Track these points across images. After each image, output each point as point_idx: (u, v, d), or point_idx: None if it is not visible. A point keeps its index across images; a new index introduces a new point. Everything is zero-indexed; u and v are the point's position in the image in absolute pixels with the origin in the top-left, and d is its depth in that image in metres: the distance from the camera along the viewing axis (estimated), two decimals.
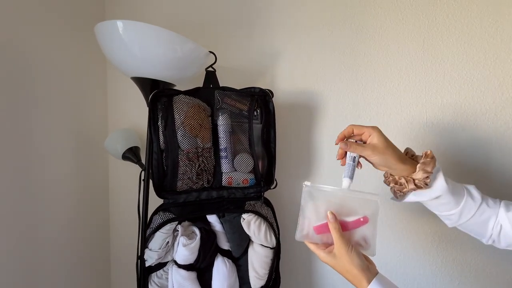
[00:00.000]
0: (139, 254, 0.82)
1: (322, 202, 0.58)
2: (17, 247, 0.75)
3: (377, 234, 0.57)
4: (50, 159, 0.84)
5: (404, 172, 0.57)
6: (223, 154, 0.81)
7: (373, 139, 0.57)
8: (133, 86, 0.83)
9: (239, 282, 0.82)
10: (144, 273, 0.79)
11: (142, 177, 0.85)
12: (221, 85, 0.85)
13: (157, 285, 0.79)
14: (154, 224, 0.77)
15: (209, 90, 0.83)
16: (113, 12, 1.05)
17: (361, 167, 0.61)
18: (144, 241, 0.78)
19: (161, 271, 0.81)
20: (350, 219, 0.57)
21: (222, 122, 0.80)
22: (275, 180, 0.85)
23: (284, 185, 0.99)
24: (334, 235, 0.55)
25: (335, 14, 0.94)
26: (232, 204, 0.82)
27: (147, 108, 0.79)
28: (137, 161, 0.92)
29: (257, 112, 0.83)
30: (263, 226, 0.78)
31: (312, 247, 0.59)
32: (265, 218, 0.79)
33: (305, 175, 0.99)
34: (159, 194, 0.79)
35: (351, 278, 0.54)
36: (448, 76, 0.88)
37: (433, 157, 0.58)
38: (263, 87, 0.83)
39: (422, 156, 0.58)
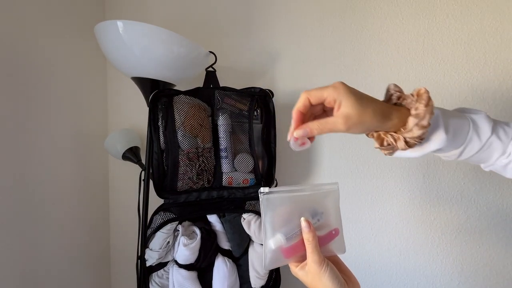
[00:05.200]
0: (139, 254, 0.82)
1: (285, 208, 0.46)
2: (17, 247, 0.75)
3: (342, 227, 0.50)
4: (50, 159, 0.84)
5: (392, 128, 0.44)
6: (223, 154, 0.81)
7: (343, 107, 0.42)
8: (133, 86, 0.83)
9: (239, 281, 0.82)
10: (145, 272, 0.79)
11: (142, 177, 0.85)
12: (221, 85, 0.85)
13: (158, 284, 0.79)
14: (154, 224, 0.78)
15: (209, 90, 0.83)
16: (113, 12, 1.05)
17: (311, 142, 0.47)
18: (145, 241, 0.78)
19: (161, 270, 0.81)
20: (320, 233, 0.47)
21: (222, 122, 0.80)
22: (275, 180, 0.85)
23: (284, 185, 0.99)
24: (308, 247, 0.44)
25: (335, 14, 0.94)
26: (233, 204, 0.82)
27: (147, 108, 0.79)
28: (137, 161, 0.92)
29: (257, 112, 0.83)
30: None
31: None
32: None
33: (305, 175, 0.99)
34: (159, 194, 0.80)
35: None
36: (448, 76, 0.88)
37: (429, 102, 0.42)
38: (263, 87, 0.83)
39: (413, 99, 0.43)
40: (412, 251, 0.93)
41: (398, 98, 0.45)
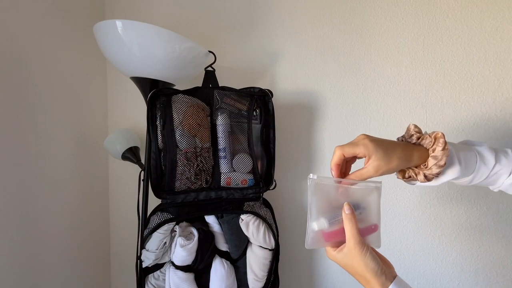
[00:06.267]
0: (138, 254, 0.82)
1: (331, 196, 0.51)
2: (17, 246, 0.75)
3: (381, 224, 0.53)
4: (50, 159, 0.84)
5: (413, 165, 0.51)
6: (221, 154, 0.80)
7: (372, 160, 0.49)
8: (133, 86, 0.83)
9: (237, 284, 0.81)
10: (142, 274, 0.79)
11: (142, 177, 0.85)
12: (220, 85, 0.84)
13: (154, 286, 0.79)
14: (151, 225, 0.76)
15: (209, 89, 0.82)
16: (113, 11, 1.05)
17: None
18: (142, 242, 0.77)
19: (158, 272, 0.80)
20: (360, 225, 0.50)
21: (221, 122, 0.80)
22: (274, 181, 0.84)
23: (284, 186, 0.99)
24: (349, 229, 0.48)
25: (335, 14, 0.94)
26: (231, 204, 0.81)
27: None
28: (137, 161, 0.92)
29: (256, 112, 0.83)
30: (262, 227, 0.77)
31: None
32: (264, 219, 0.77)
33: (305, 176, 0.99)
34: (157, 194, 0.79)
35: (363, 282, 0.48)
36: (448, 76, 0.87)
37: (445, 146, 0.49)
38: (263, 87, 0.83)
39: (430, 140, 0.51)
40: (412, 251, 0.93)
41: (418, 138, 0.53)
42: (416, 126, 0.53)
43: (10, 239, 0.73)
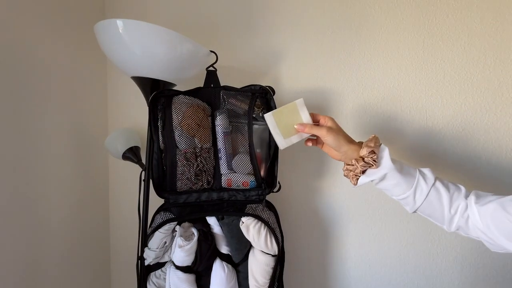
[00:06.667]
0: (139, 254, 0.82)
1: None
2: (17, 246, 0.75)
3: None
4: (50, 159, 0.84)
5: (354, 153, 0.63)
6: (220, 154, 0.79)
7: (328, 123, 0.66)
8: (134, 85, 0.83)
9: None
10: (144, 272, 0.78)
11: (143, 177, 0.84)
12: (222, 85, 0.84)
13: (155, 285, 0.78)
14: (154, 224, 0.76)
15: (211, 89, 0.82)
16: (113, 11, 1.05)
17: (311, 145, 0.71)
18: (144, 240, 0.77)
19: (159, 271, 0.80)
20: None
21: (219, 122, 0.79)
22: (279, 183, 0.81)
23: (290, 189, 0.97)
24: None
25: (335, 13, 0.94)
26: (233, 206, 0.78)
27: (148, 108, 0.78)
28: (137, 161, 0.92)
29: (261, 113, 0.80)
30: (263, 231, 0.73)
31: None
32: (266, 223, 0.74)
33: (313, 178, 0.98)
34: (159, 193, 0.79)
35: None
36: (448, 76, 0.88)
37: (374, 136, 0.65)
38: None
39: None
40: (412, 251, 0.93)
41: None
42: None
43: (10, 239, 0.73)
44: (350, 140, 0.66)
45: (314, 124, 0.67)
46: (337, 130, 0.65)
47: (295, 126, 0.67)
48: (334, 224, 0.98)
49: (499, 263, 0.87)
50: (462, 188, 0.62)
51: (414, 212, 0.64)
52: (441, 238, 0.90)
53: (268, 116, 0.68)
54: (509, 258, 0.86)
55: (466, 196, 0.60)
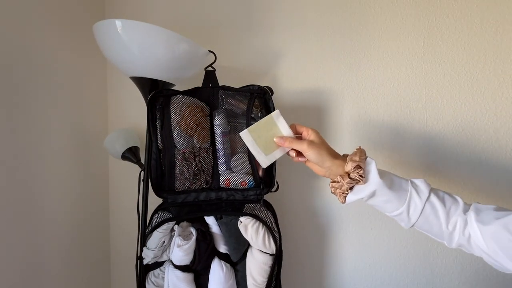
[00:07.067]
0: (138, 254, 0.82)
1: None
2: (17, 246, 0.75)
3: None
4: (49, 159, 0.84)
5: (339, 169, 0.59)
6: (218, 154, 0.79)
7: (311, 136, 0.61)
8: (133, 85, 0.83)
9: (237, 287, 0.79)
10: (143, 271, 0.78)
11: (142, 177, 0.84)
12: (220, 85, 0.84)
13: (153, 284, 0.78)
14: (153, 223, 0.77)
15: (209, 89, 0.82)
16: (112, 11, 1.05)
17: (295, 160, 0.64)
18: (143, 239, 0.77)
19: (158, 270, 0.80)
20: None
21: (217, 122, 0.79)
22: (277, 183, 0.81)
23: (288, 189, 0.97)
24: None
25: (335, 14, 0.94)
26: (231, 206, 0.79)
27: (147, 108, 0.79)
28: (137, 161, 0.92)
29: (260, 113, 0.81)
30: (261, 231, 0.74)
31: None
32: (263, 222, 0.74)
33: (311, 177, 0.98)
34: (157, 193, 0.79)
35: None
36: (448, 76, 0.88)
37: (359, 149, 0.60)
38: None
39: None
40: (412, 251, 0.93)
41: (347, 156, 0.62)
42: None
43: (9, 238, 0.73)
44: (334, 155, 0.60)
45: (296, 137, 0.63)
46: (319, 145, 0.60)
47: (275, 139, 0.63)
48: (333, 224, 0.97)
49: None
50: (460, 200, 0.57)
51: (411, 227, 0.59)
52: None
53: (244, 134, 0.63)
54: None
55: (465, 211, 0.55)
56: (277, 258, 0.78)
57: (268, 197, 0.83)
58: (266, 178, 0.82)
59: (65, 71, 0.89)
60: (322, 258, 0.99)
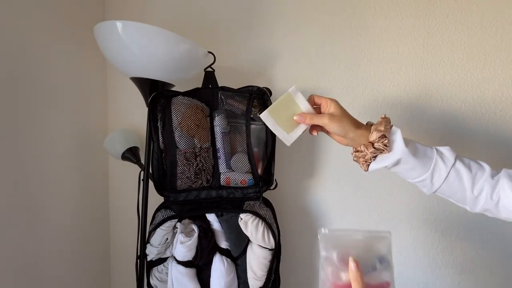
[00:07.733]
0: (138, 254, 0.83)
1: (339, 248, 0.49)
2: (17, 246, 0.75)
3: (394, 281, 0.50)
4: (49, 159, 0.84)
5: (362, 138, 0.58)
6: (219, 154, 0.81)
7: (330, 108, 0.60)
8: (133, 86, 0.83)
9: (237, 281, 0.82)
10: (146, 266, 0.81)
11: (142, 177, 0.85)
12: (220, 85, 0.84)
13: (157, 279, 0.81)
14: (156, 221, 0.80)
15: (209, 90, 0.83)
16: (113, 12, 1.05)
17: (316, 134, 0.63)
18: (145, 237, 0.80)
19: (161, 266, 0.82)
20: (372, 281, 0.47)
21: (218, 122, 0.80)
22: (275, 181, 0.84)
23: (286, 186, 0.98)
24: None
25: (335, 14, 0.94)
26: (231, 203, 0.82)
27: (147, 108, 0.79)
28: (137, 161, 0.92)
29: (257, 113, 0.82)
30: (261, 227, 0.77)
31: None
32: (263, 219, 0.78)
33: (308, 176, 0.98)
34: (159, 192, 0.81)
35: None
36: (448, 76, 0.87)
37: (385, 118, 0.59)
38: (262, 86, 0.83)
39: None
40: (412, 251, 0.93)
41: (371, 125, 0.61)
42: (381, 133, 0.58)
43: (9, 239, 0.73)
44: (357, 125, 0.59)
45: (315, 109, 0.62)
46: (341, 116, 0.59)
47: (295, 118, 0.62)
48: (330, 220, 0.98)
49: (499, 264, 0.87)
50: (486, 167, 0.56)
51: (433, 193, 0.59)
52: (441, 238, 0.90)
53: (264, 115, 0.62)
54: (509, 258, 0.86)
55: (493, 176, 0.55)
56: (276, 253, 0.81)
57: (267, 194, 0.85)
58: (265, 177, 0.84)
59: (65, 71, 0.90)
60: (317, 252, 0.99)
